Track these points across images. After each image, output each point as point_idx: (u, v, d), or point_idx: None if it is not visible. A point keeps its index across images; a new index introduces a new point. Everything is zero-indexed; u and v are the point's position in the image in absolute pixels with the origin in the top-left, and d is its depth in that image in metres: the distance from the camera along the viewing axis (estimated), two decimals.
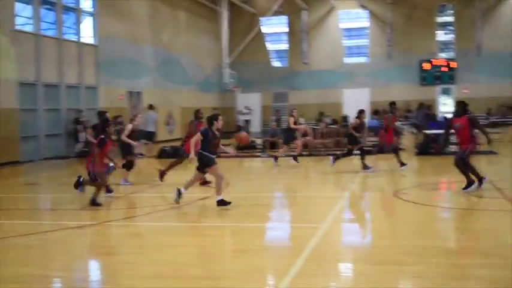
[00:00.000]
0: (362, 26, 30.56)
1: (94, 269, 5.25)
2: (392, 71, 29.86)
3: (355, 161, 12.08)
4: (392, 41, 29.82)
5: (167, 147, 16.58)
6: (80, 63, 19.13)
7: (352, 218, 7.43)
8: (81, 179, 8.50)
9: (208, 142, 7.67)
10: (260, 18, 30.99)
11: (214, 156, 7.74)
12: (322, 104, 28.87)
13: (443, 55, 30.32)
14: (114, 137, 9.70)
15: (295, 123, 13.96)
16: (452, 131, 8.47)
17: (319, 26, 30.99)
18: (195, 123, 10.29)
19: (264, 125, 28.86)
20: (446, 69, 29.49)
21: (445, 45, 30.77)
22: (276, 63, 32.01)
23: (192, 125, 10.28)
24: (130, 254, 5.48)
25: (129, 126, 10.50)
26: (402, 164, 11.34)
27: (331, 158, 12.24)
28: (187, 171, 9.94)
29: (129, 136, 10.34)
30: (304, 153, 15.11)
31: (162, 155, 15.99)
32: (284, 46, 31.62)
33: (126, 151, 10.43)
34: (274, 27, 31.72)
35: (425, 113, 18.63)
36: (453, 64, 29.44)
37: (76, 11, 19.11)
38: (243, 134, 13.04)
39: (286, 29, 31.35)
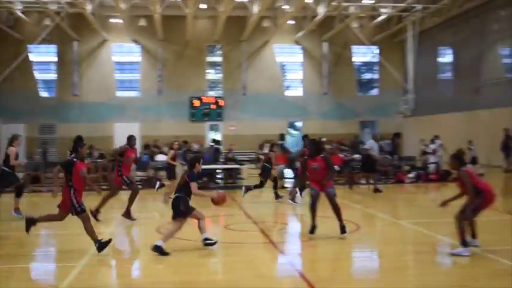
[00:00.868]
0: (134, 60, 38.53)
1: None
2: (163, 106, 37.74)
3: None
4: (163, 77, 38.13)
5: None
6: None
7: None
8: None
9: None
10: (28, 46, 36.30)
11: None
12: (93, 137, 35.24)
13: (212, 93, 40.03)
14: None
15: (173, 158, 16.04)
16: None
17: (91, 58, 37.46)
18: None
19: (29, 158, 31.57)
20: (214, 106, 38.95)
21: (214, 84, 40.54)
22: (44, 93, 37.58)
23: None
24: None
25: None
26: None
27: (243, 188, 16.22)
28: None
29: None
30: None
31: None
32: (53, 76, 37.64)
33: None
34: (42, 56, 37.37)
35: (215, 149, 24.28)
36: (221, 102, 39.16)
37: None
38: None
39: (55, 59, 37.35)
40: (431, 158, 23.61)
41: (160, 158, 23.29)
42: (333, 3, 33.27)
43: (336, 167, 13.29)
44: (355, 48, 41.35)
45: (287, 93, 40.75)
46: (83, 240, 9.33)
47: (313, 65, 40.91)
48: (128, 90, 38.64)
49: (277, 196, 16.65)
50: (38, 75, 37.66)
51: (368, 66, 43.06)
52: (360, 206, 15.78)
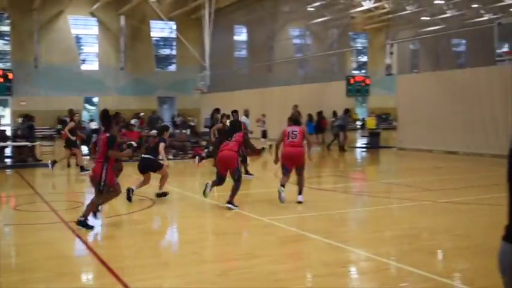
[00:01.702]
0: None
1: None
2: None
3: None
4: None
5: None
6: None
7: None
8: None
9: None
10: None
11: None
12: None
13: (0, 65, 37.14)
14: None
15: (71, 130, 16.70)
16: None
17: None
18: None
19: None
20: (1, 79, 36.29)
21: (1, 55, 37.69)
22: None
23: None
24: None
25: None
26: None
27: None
28: None
29: None
30: None
31: None
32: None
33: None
34: None
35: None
36: (10, 75, 36.53)
37: None
38: None
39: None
40: None
41: None
42: None
43: (133, 143, 13.09)
44: (153, 23, 41.01)
45: (83, 67, 39.21)
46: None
47: (109, 39, 39.80)
48: None
49: (82, 169, 16.35)
50: None
51: (166, 42, 43.01)
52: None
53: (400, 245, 7.69)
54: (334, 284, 5.96)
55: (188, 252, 7.43)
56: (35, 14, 36.79)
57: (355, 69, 50.68)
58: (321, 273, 6.35)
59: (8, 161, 20.78)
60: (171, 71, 43.04)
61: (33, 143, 21.13)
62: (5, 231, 9.11)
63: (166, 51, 43.45)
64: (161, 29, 42.04)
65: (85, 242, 8.02)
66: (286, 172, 10.85)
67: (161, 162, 11.63)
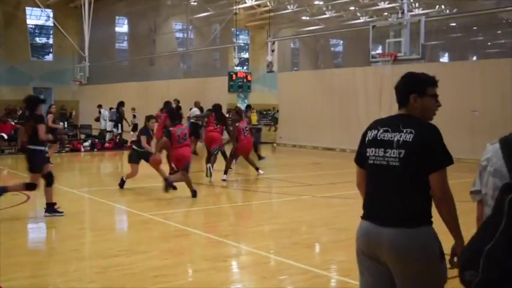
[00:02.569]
0: None
1: None
2: None
3: None
4: None
5: None
6: None
7: None
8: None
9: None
10: None
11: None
12: None
13: None
14: None
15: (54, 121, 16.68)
16: None
17: None
18: None
19: None
20: None
21: None
22: None
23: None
24: None
25: None
26: None
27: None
28: None
29: None
30: None
31: None
32: None
33: None
34: None
35: None
36: None
37: None
38: None
39: None
40: (108, 126, 23.69)
41: None
42: None
43: (4, 135, 12.44)
44: (28, 10, 39.08)
45: None
46: None
47: None
48: None
49: None
50: None
51: (42, 30, 41.18)
52: None
53: (280, 239, 7.88)
54: (214, 278, 6.00)
55: (66, 249, 7.16)
56: None
57: (237, 66, 51.19)
58: (202, 267, 6.37)
59: None
60: (48, 61, 41.26)
61: None
62: None
63: (42, 40, 41.57)
64: (37, 17, 40.17)
65: None
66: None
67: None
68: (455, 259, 3.07)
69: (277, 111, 28.42)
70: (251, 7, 43.96)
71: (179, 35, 47.20)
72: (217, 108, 14.48)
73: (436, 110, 3.36)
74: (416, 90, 3.27)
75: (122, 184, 11.84)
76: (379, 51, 21.27)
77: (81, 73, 36.08)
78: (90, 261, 6.76)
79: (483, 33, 43.84)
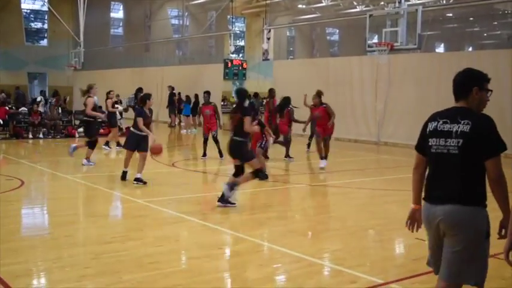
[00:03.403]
0: None
1: None
2: None
3: None
4: None
5: None
6: None
7: None
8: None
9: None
10: None
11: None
12: None
13: None
14: None
15: (113, 105, 16.82)
16: None
17: None
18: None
19: None
20: None
21: None
22: None
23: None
24: None
25: None
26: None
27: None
28: None
29: None
30: None
31: None
32: None
33: None
34: None
35: None
36: None
37: None
38: None
39: None
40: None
41: None
42: None
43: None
44: None
45: None
46: None
47: None
48: None
49: None
50: None
51: (37, 14, 40.90)
52: (25, 160, 15.03)
53: (275, 227, 7.89)
54: (209, 265, 6.01)
55: (61, 235, 7.15)
56: None
57: (233, 53, 51.00)
58: (197, 255, 6.38)
59: None
60: (42, 46, 41.01)
61: None
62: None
63: (37, 25, 41.31)
64: (32, 1, 39.88)
65: None
66: None
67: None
68: (503, 232, 3.55)
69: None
70: None
71: (175, 21, 46.94)
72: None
73: (487, 104, 3.82)
74: (478, 84, 3.77)
75: (124, 176, 11.17)
76: (376, 40, 21.21)
77: (76, 59, 35.84)
78: (84, 247, 6.76)
79: (479, 24, 43.81)
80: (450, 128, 3.65)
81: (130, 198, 9.59)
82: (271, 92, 17.12)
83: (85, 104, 13.54)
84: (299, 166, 14.45)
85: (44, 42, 41.20)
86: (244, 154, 8.96)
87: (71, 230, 7.51)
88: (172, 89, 27.72)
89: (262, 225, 8.20)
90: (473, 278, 3.66)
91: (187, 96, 25.59)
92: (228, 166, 14.36)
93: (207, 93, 15.40)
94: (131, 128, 11.21)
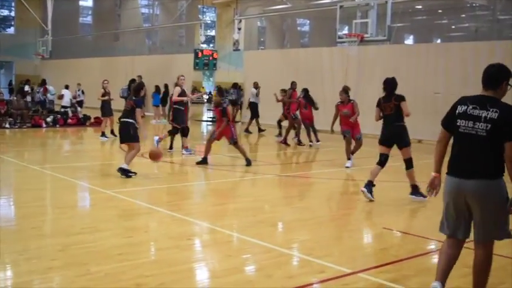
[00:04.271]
0: None
1: None
2: None
3: None
4: None
5: None
6: None
7: None
8: None
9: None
10: None
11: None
12: None
13: None
14: None
15: (103, 95, 17.28)
16: None
17: None
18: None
19: None
20: None
21: None
22: None
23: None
24: None
25: None
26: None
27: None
28: None
29: None
30: None
31: None
32: None
33: None
34: None
35: None
36: None
37: None
38: None
39: None
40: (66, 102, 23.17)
41: None
42: None
43: None
44: None
45: None
46: None
47: None
48: None
49: None
50: None
51: (4, 1, 40.12)
52: None
53: (244, 218, 7.90)
54: (178, 256, 5.99)
55: (27, 226, 7.05)
56: None
57: (203, 43, 50.74)
58: (166, 246, 6.35)
59: None
60: (9, 34, 40.24)
61: None
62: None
63: (4, 12, 40.50)
64: None
65: None
66: None
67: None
68: None
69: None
70: None
71: (145, 10, 46.52)
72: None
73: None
74: (507, 78, 4.43)
75: (127, 172, 10.49)
76: (346, 31, 21.32)
77: (44, 47, 35.31)
78: (51, 238, 6.68)
79: (448, 17, 44.30)
80: (479, 114, 4.32)
81: (99, 189, 9.50)
82: (293, 84, 18.09)
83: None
84: (268, 157, 14.47)
85: (11, 30, 40.45)
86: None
87: (38, 221, 7.41)
88: (141, 78, 27.48)
89: (232, 215, 8.21)
90: (504, 235, 4.49)
91: (157, 86, 25.40)
92: (196, 157, 14.38)
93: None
94: (128, 120, 10.58)
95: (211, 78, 49.82)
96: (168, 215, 7.81)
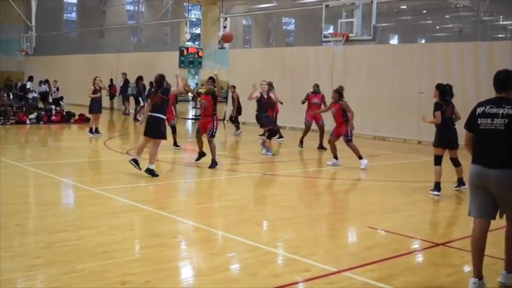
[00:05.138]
0: None
1: None
2: None
3: None
4: None
5: None
6: None
7: None
8: None
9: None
10: None
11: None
12: None
13: None
14: None
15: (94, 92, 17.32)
16: None
17: None
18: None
19: None
20: None
21: None
22: None
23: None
24: None
25: None
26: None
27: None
28: None
29: None
30: None
31: None
32: None
33: None
34: None
35: None
36: None
37: None
38: None
39: None
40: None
41: None
42: None
43: None
44: None
45: None
46: None
47: None
48: None
49: None
50: None
51: None
52: None
53: (229, 216, 7.91)
54: (163, 254, 5.98)
55: (10, 224, 6.97)
56: None
57: (188, 41, 50.56)
58: (151, 244, 6.34)
59: None
60: None
61: None
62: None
63: None
64: None
65: None
66: None
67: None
68: None
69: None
70: None
71: (130, 7, 46.22)
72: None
73: None
74: None
75: (154, 172, 10.51)
76: (331, 31, 21.34)
77: (28, 43, 34.92)
78: (35, 236, 6.63)
79: (432, 17, 44.54)
80: (497, 111, 4.95)
81: (83, 187, 9.45)
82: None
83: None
84: (253, 155, 14.47)
85: None
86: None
87: (22, 219, 7.36)
88: (125, 75, 27.41)
89: (217, 214, 8.21)
90: None
91: (143, 84, 25.29)
92: (183, 155, 14.34)
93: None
94: (159, 115, 10.54)
95: (196, 76, 49.67)
96: (154, 213, 7.79)
